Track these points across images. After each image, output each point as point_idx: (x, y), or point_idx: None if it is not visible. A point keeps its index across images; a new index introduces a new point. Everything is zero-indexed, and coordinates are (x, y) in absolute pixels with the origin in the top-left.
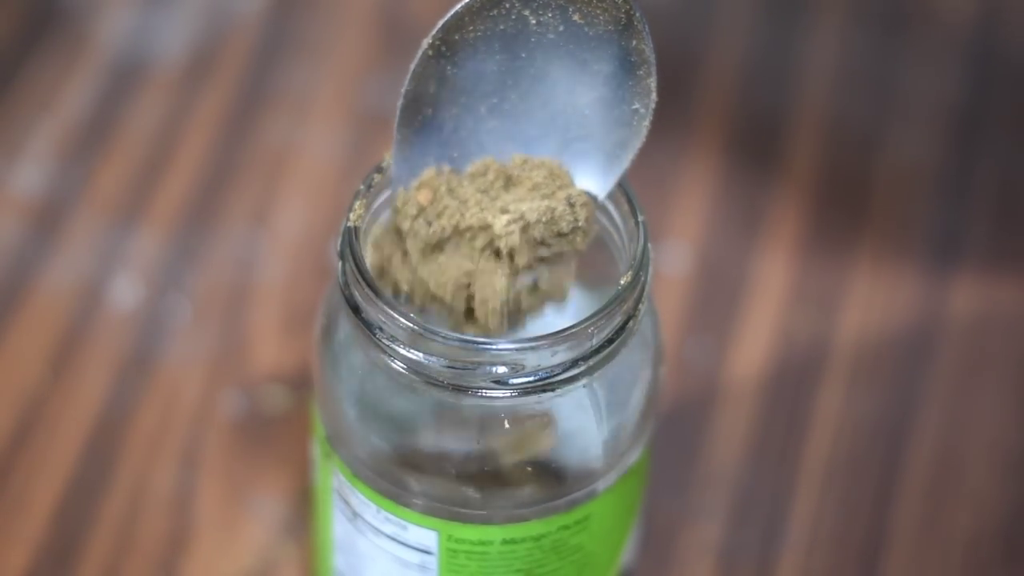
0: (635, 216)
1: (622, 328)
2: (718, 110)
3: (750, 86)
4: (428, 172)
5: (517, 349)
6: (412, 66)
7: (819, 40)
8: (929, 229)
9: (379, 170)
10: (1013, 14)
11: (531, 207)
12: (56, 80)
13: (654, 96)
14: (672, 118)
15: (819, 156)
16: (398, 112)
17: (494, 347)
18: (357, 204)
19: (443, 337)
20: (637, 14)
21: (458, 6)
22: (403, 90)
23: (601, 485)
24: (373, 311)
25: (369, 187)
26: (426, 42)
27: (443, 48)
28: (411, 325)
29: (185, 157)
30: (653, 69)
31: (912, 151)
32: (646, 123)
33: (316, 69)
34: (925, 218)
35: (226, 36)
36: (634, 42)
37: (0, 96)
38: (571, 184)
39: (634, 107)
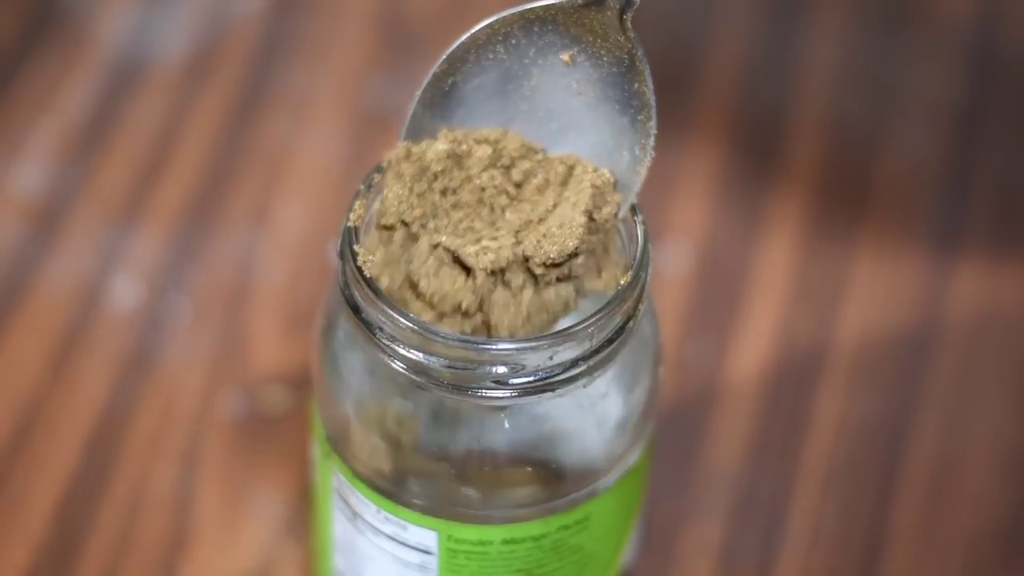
0: (635, 216)
1: (622, 328)
2: (718, 109)
3: (750, 86)
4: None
5: (517, 349)
6: (417, 94)
7: (819, 40)
8: (929, 229)
9: (379, 170)
10: (1013, 14)
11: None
12: (56, 80)
13: (652, 142)
14: (672, 117)
15: (819, 155)
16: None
17: (494, 347)
18: (357, 204)
19: (443, 337)
20: (639, 54)
21: (463, 37)
22: (406, 120)
23: (601, 485)
24: (373, 311)
25: (369, 187)
26: (432, 70)
27: (448, 78)
28: (411, 325)
29: (185, 157)
30: (653, 113)
31: (912, 151)
32: (644, 166)
33: (316, 69)
34: (925, 218)
35: (226, 36)
36: (635, 85)
37: (0, 96)
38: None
39: (634, 152)
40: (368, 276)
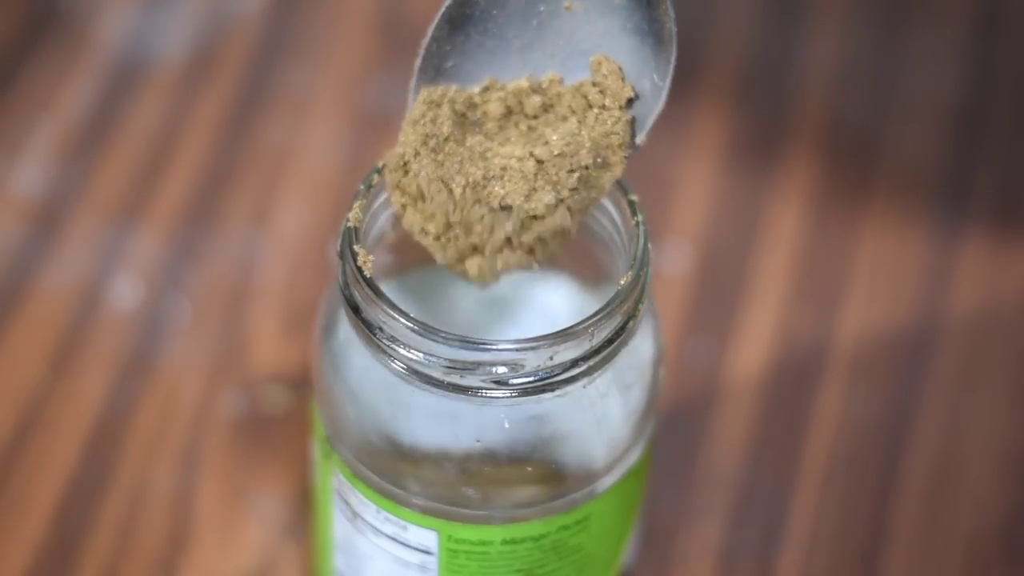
0: (635, 216)
1: (622, 328)
2: (718, 110)
3: (750, 86)
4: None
5: (517, 349)
6: (433, 24)
7: (819, 40)
8: (929, 228)
9: (379, 170)
10: (1013, 13)
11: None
12: (56, 80)
13: (672, 67)
14: (672, 117)
15: (819, 156)
16: (416, 68)
17: (494, 347)
18: (356, 205)
19: (443, 337)
20: None
21: None
22: (423, 44)
23: (601, 485)
24: (373, 311)
25: (368, 187)
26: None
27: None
28: (411, 325)
29: (185, 157)
30: (673, 41)
31: (912, 151)
32: (664, 94)
33: (316, 69)
34: (925, 217)
35: (226, 36)
36: (659, 10)
37: (0, 96)
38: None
39: (654, 80)
40: (368, 276)
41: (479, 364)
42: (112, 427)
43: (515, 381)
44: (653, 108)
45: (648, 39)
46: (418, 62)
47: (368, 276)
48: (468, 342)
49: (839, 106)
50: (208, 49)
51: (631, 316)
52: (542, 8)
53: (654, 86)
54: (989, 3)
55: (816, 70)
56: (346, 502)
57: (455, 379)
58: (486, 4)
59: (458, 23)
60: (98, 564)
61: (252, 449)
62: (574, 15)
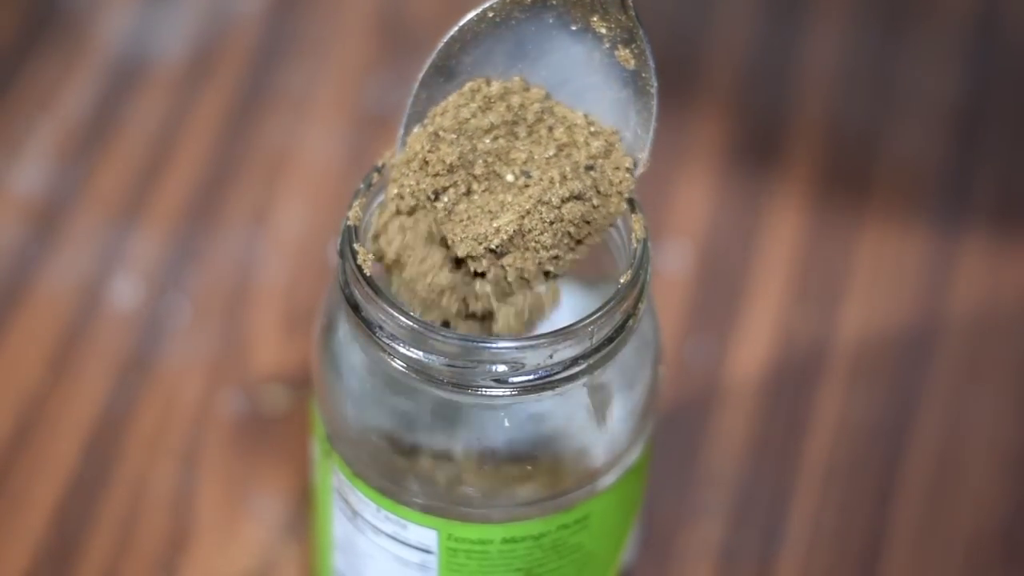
0: (635, 215)
1: (622, 327)
2: (718, 110)
3: (750, 86)
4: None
5: (517, 348)
6: (416, 83)
7: (819, 40)
8: (929, 228)
9: (378, 170)
10: (1013, 13)
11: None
12: (56, 80)
13: (655, 123)
14: (672, 117)
15: (819, 156)
16: (401, 132)
17: (494, 346)
18: (356, 203)
19: (443, 336)
20: (640, 32)
21: (460, 23)
22: (408, 103)
23: (601, 484)
24: (373, 310)
25: (368, 187)
26: (428, 60)
27: (448, 60)
28: (411, 324)
29: (185, 157)
30: (655, 91)
31: (912, 151)
32: (647, 149)
33: (316, 69)
34: (925, 217)
35: (226, 36)
36: (641, 71)
37: (0, 96)
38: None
39: (636, 132)
40: (368, 275)
41: (479, 363)
42: (112, 427)
43: (515, 380)
44: (638, 160)
45: (630, 86)
46: (406, 113)
47: (368, 274)
48: (468, 341)
49: (839, 106)
50: (208, 49)
51: (631, 315)
52: (520, 66)
53: (636, 136)
54: (989, 3)
55: (816, 70)
56: (346, 501)
57: (455, 378)
58: (471, 63)
59: (445, 72)
60: (98, 564)
61: (252, 449)
62: (552, 67)
